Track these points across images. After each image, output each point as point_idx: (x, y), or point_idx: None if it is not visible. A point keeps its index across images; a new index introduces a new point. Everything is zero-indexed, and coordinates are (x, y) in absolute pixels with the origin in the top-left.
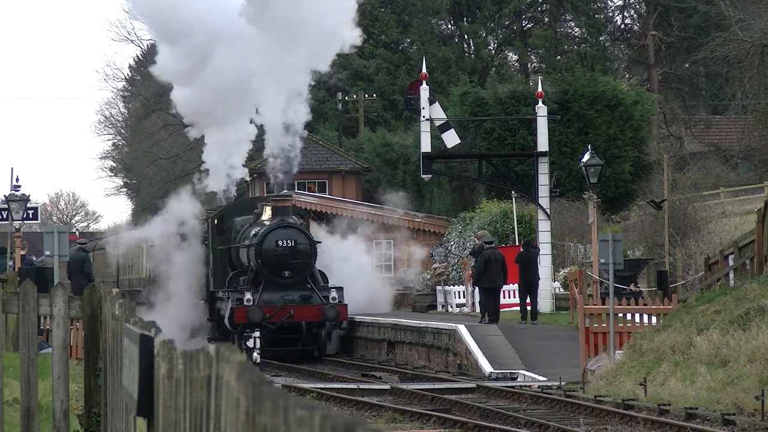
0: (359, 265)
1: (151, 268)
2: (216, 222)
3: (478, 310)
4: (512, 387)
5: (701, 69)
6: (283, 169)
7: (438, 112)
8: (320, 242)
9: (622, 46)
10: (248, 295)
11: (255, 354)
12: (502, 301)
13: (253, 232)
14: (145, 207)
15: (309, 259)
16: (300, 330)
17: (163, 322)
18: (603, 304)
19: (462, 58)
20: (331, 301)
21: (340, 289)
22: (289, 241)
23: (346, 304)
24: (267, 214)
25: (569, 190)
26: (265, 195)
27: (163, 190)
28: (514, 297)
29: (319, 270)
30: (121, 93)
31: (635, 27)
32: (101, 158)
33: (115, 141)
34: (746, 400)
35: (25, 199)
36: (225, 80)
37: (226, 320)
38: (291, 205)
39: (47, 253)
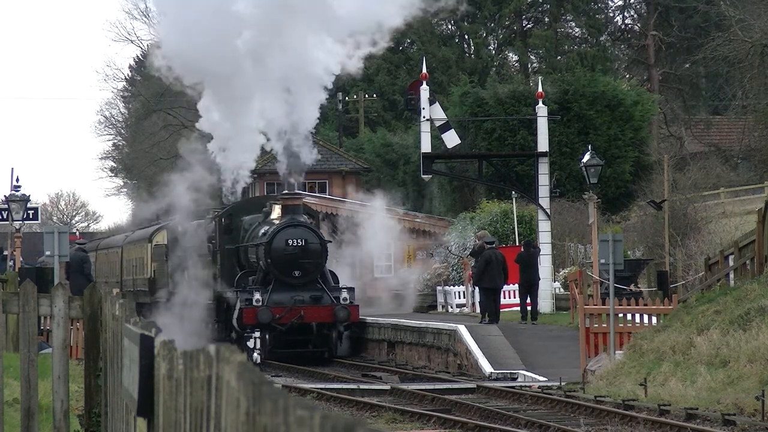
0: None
1: (155, 268)
2: (223, 221)
3: (478, 310)
4: (512, 387)
5: (701, 69)
6: (293, 162)
7: (438, 113)
8: (331, 241)
9: (623, 46)
10: (257, 296)
11: (255, 354)
12: (502, 301)
13: (263, 230)
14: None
15: (320, 258)
16: (310, 331)
17: (174, 326)
18: (603, 304)
19: (462, 59)
20: (342, 301)
21: (351, 290)
22: (299, 240)
23: (358, 305)
24: (276, 212)
25: (569, 191)
26: (266, 194)
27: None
28: (514, 297)
29: (329, 270)
30: (121, 93)
31: (635, 27)
32: (101, 158)
33: (116, 141)
34: (746, 400)
35: (26, 199)
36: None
37: (234, 321)
38: (301, 204)
39: (47, 253)
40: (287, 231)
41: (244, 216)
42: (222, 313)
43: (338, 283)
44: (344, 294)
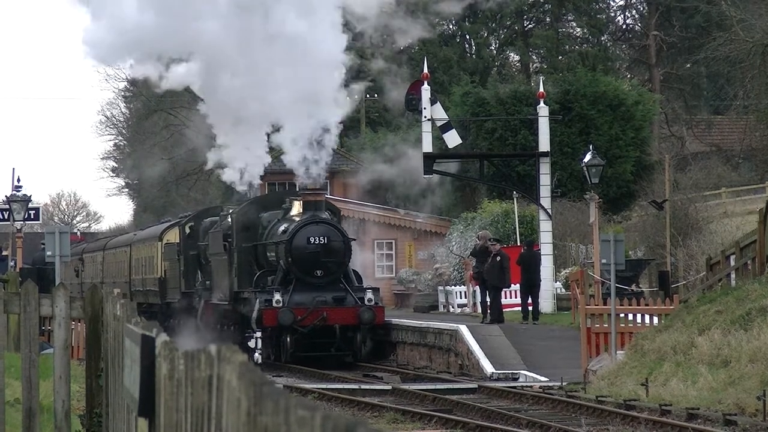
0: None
1: (167, 268)
2: (240, 217)
3: (479, 310)
4: (514, 387)
5: (703, 69)
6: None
7: (439, 113)
8: (355, 239)
9: (624, 46)
10: (277, 296)
11: (256, 354)
12: (504, 301)
13: (282, 228)
14: (147, 207)
15: (343, 257)
16: (333, 334)
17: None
18: (604, 304)
19: (463, 59)
20: (366, 302)
21: (376, 290)
22: (321, 238)
23: (383, 306)
24: (296, 208)
25: (571, 191)
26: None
27: (164, 190)
28: (515, 297)
29: (353, 269)
30: (123, 93)
31: (637, 27)
32: (102, 158)
33: (117, 141)
34: (748, 400)
35: (27, 199)
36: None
37: (253, 323)
38: (324, 200)
39: (48, 253)
40: (309, 228)
41: (262, 213)
42: (239, 314)
43: (362, 282)
44: (369, 295)
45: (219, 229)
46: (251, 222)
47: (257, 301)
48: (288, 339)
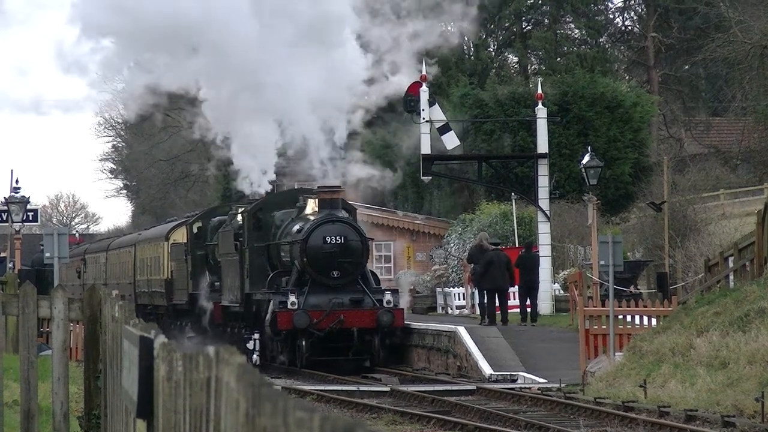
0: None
1: (173, 268)
2: (252, 216)
3: (477, 312)
4: (512, 389)
5: (701, 71)
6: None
7: (438, 114)
8: (372, 239)
9: (622, 47)
10: (292, 298)
11: (254, 356)
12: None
13: (297, 227)
14: (145, 209)
15: (360, 257)
16: (351, 337)
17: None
18: (603, 305)
19: (462, 60)
20: (385, 305)
21: (395, 292)
22: (338, 238)
23: (402, 309)
24: (311, 207)
25: (569, 192)
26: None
27: (162, 192)
28: (514, 299)
29: (371, 270)
30: (121, 95)
31: (635, 29)
32: (101, 160)
33: (115, 143)
34: (746, 402)
35: (25, 201)
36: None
37: (267, 326)
38: (340, 198)
39: (47, 255)
40: (325, 227)
41: (275, 211)
42: (251, 317)
43: (380, 284)
44: (387, 296)
45: (230, 228)
46: (263, 221)
47: (271, 303)
48: (303, 343)
